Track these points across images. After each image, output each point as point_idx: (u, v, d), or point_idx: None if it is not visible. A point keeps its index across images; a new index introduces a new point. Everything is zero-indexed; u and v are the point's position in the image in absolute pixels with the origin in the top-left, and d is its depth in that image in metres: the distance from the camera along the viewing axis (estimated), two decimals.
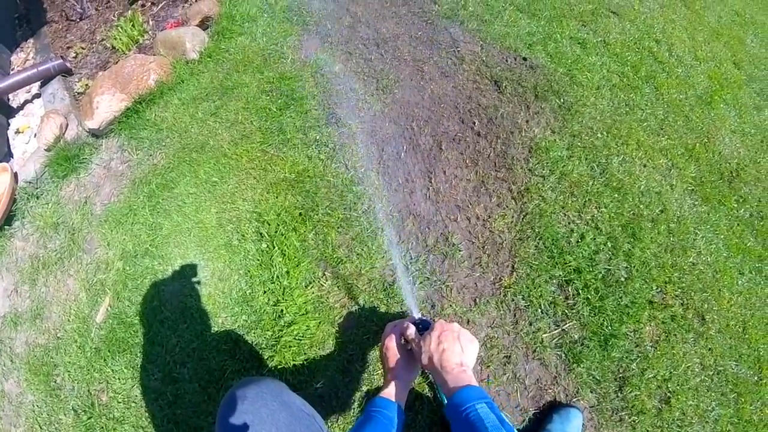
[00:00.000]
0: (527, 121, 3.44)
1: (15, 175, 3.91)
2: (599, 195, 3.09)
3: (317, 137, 3.49)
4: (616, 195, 3.11)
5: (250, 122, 3.68)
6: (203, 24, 4.54)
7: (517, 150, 3.28)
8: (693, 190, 3.38)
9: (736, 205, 3.41)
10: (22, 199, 3.77)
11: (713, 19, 5.60)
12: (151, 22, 4.86)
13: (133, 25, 4.65)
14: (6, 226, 3.66)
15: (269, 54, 4.19)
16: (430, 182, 3.19)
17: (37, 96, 4.68)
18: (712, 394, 2.59)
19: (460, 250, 2.89)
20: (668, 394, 2.53)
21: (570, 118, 3.49)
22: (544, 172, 3.15)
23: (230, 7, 4.65)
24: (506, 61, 3.89)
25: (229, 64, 4.16)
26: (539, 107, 3.55)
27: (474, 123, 3.44)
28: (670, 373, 2.57)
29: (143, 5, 5.16)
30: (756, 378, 2.67)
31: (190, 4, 4.83)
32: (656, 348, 2.64)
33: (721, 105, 4.14)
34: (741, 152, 3.83)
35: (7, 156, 4.28)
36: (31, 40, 5.58)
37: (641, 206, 3.11)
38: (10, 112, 4.67)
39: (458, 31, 4.17)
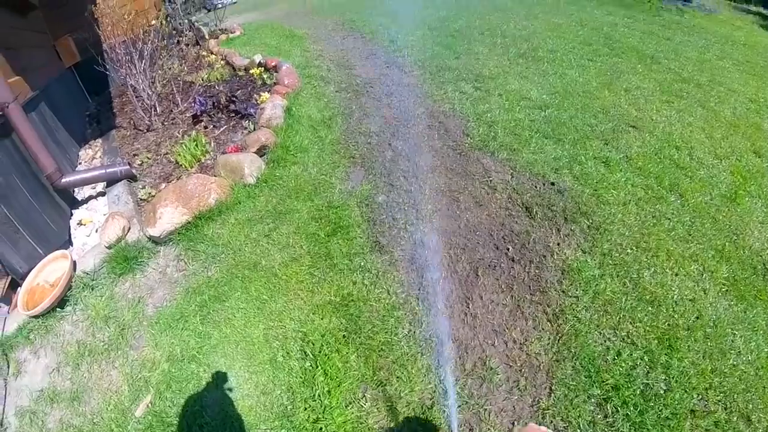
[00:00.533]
0: (558, 244, 3.80)
1: (74, 264, 4.14)
2: (633, 310, 3.33)
3: (362, 263, 3.88)
4: (650, 308, 3.34)
5: (300, 246, 4.11)
6: (260, 151, 5.17)
7: (550, 273, 3.60)
8: (727, 290, 3.56)
9: None
10: (77, 287, 4.06)
11: (729, 112, 5.99)
12: (212, 144, 5.55)
13: (196, 145, 5.32)
14: (58, 308, 3.88)
15: (319, 183, 4.76)
16: (468, 307, 3.50)
17: (102, 194, 5.20)
18: None
19: (497, 374, 3.09)
20: None
21: (600, 237, 3.82)
22: (577, 292, 3.44)
23: (285, 138, 5.34)
24: (535, 187, 4.34)
25: (282, 190, 4.71)
26: (569, 229, 3.91)
27: (508, 249, 3.83)
28: None
29: (206, 127, 5.95)
30: None
31: (249, 132, 5.57)
32: None
33: (746, 199, 4.43)
34: None
35: (67, 243, 4.70)
36: (99, 140, 6.40)
37: (676, 316, 3.32)
38: (74, 203, 5.17)
39: (489, 161, 4.72)
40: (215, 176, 4.87)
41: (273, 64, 7.42)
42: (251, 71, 7.30)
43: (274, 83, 6.91)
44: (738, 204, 4.37)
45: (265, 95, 6.31)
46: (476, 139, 5.08)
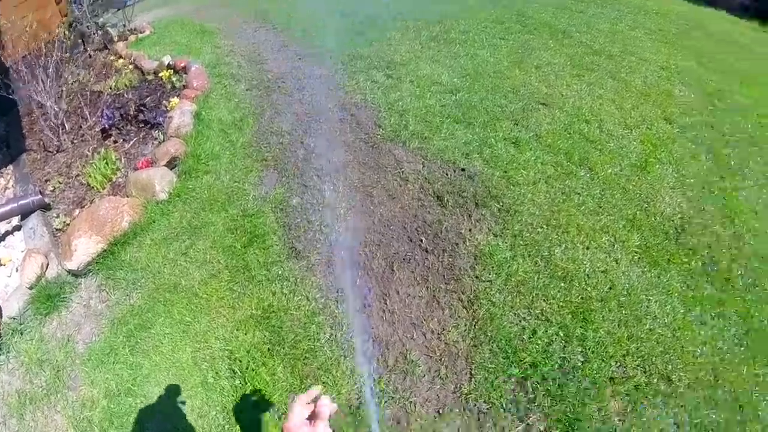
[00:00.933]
0: (470, 230, 3.97)
1: None
2: (546, 288, 3.54)
3: (279, 272, 3.99)
4: (562, 284, 3.56)
5: (218, 261, 4.18)
6: (171, 163, 5.17)
7: (464, 260, 3.77)
8: (639, 258, 3.83)
9: (686, 260, 3.87)
10: (6, 333, 4.06)
11: (640, 81, 6.31)
12: (123, 160, 5.50)
13: (106, 163, 5.26)
14: None
15: (232, 191, 4.82)
16: (386, 304, 3.65)
17: (17, 228, 5.13)
18: None
19: (419, 366, 3.26)
20: None
21: (510, 219, 4.02)
22: (490, 276, 3.62)
23: (195, 146, 5.36)
24: (447, 174, 4.50)
25: (196, 203, 4.75)
26: (480, 214, 4.09)
27: (421, 240, 3.98)
28: None
29: (115, 141, 5.86)
30: (738, 418, 2.98)
31: (159, 143, 5.54)
32: (624, 421, 2.94)
33: (657, 166, 4.72)
34: (683, 206, 4.34)
35: None
36: (10, 167, 6.23)
37: (588, 289, 3.55)
38: None
39: (401, 151, 4.86)
40: (127, 196, 4.86)
41: (182, 65, 7.31)
42: (160, 74, 7.18)
43: (184, 86, 6.82)
44: (648, 172, 4.65)
45: (175, 100, 6.23)
46: (388, 129, 5.20)
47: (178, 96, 6.46)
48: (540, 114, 5.26)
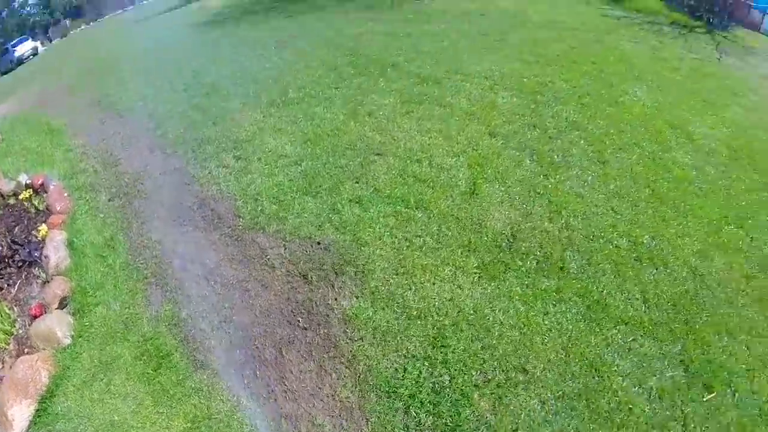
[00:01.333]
0: (335, 299, 4.70)
1: None
2: (407, 330, 4.34)
3: (192, 385, 4.50)
4: (419, 322, 4.37)
5: (138, 390, 4.59)
6: (62, 304, 5.45)
7: (337, 327, 4.50)
8: (480, 276, 4.73)
9: (521, 263, 4.81)
10: None
11: (465, 101, 7.37)
12: (15, 309, 5.64)
13: (1, 319, 5.41)
14: None
15: (127, 318, 5.22)
16: (285, 384, 4.29)
17: None
18: (562, 416, 3.81)
19: (326, 426, 3.94)
20: None
21: (366, 278, 4.78)
22: (360, 334, 4.37)
23: (79, 279, 5.69)
24: (306, 251, 5.21)
25: (98, 339, 5.09)
26: (341, 282, 4.83)
27: (299, 321, 4.67)
28: (516, 424, 3.74)
29: (1, 288, 5.92)
30: (595, 379, 3.96)
31: (43, 282, 5.78)
32: (496, 414, 3.79)
33: (485, 186, 5.67)
34: (512, 216, 5.29)
35: None
36: None
37: (441, 319, 4.38)
38: None
39: (263, 238, 5.51)
40: (35, 349, 5.14)
41: (40, 182, 7.60)
42: (21, 197, 7.41)
43: (47, 208, 7.11)
44: (477, 194, 5.62)
45: (44, 229, 6.50)
46: (247, 218, 5.83)
47: (44, 222, 6.72)
48: (376, 166, 6.10)
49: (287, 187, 6.19)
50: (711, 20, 17.19)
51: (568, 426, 3.78)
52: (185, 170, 7.40)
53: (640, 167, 6.50)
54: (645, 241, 5.35)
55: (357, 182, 6.01)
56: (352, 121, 7.33)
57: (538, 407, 3.86)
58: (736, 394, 4.32)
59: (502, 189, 5.79)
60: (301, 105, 8.18)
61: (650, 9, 16.88)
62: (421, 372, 4.16)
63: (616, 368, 4.14)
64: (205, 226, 6.11)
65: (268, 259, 5.37)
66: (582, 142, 6.78)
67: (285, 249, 5.41)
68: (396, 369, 4.21)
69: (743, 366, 4.47)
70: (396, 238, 5.26)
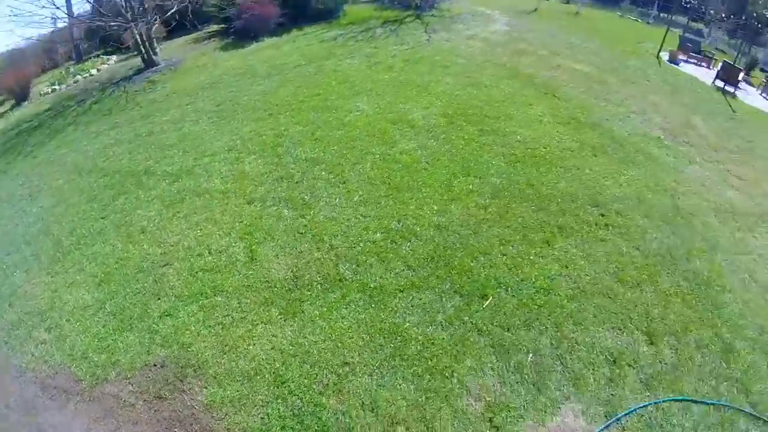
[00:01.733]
0: (192, 399, 5.79)
1: None
2: (253, 387, 5.66)
3: None
4: (258, 377, 5.72)
5: None
6: None
7: (205, 417, 5.59)
8: (284, 319, 6.36)
9: (309, 292, 6.66)
10: None
11: (218, 181, 8.83)
12: None
13: None
14: None
15: None
16: None
17: None
18: (388, 377, 5.23)
19: None
20: None
21: (204, 370, 5.98)
22: (224, 411, 5.54)
23: None
24: (149, 377, 6.18)
25: None
26: (189, 384, 5.98)
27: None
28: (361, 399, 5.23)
29: None
30: (398, 339, 5.63)
31: None
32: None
33: (259, 249, 7.36)
34: (288, 261, 7.09)
35: None
36: None
37: (271, 364, 5.84)
38: None
39: (111, 386, 6.22)
40: None
41: None
42: None
43: None
44: (256, 259, 7.22)
45: None
46: (87, 378, 6.42)
47: None
48: (168, 276, 7.34)
49: (104, 333, 6.92)
50: (418, 4, 20.47)
51: (396, 382, 5.43)
52: (10, 365, 7.47)
53: (375, 170, 8.35)
54: (393, 226, 7.22)
55: (158, 298, 7.04)
56: (130, 245, 8.19)
57: (372, 382, 5.56)
58: (509, 288, 6.32)
59: (272, 244, 7.41)
60: (79, 249, 8.71)
61: (362, 17, 19.50)
62: (279, 410, 5.49)
63: (408, 323, 5.95)
64: (57, 404, 6.53)
65: (125, 400, 6.12)
66: (323, 173, 8.42)
67: (133, 385, 6.23)
68: (262, 418, 5.47)
69: (505, 267, 6.52)
70: (209, 327, 6.47)
